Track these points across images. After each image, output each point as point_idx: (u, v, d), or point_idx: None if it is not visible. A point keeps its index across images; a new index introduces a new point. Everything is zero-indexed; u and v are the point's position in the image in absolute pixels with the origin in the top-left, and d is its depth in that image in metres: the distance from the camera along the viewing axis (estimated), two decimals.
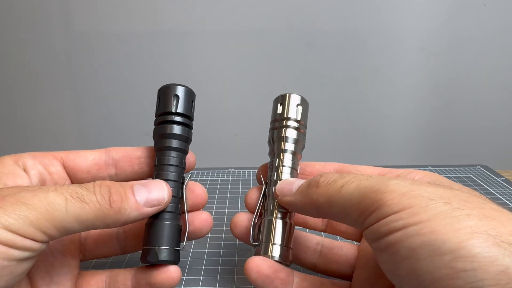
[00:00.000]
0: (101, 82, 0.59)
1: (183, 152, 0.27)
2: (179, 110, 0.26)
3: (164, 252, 0.24)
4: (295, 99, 0.28)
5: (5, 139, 0.62)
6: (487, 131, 0.63)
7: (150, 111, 0.29)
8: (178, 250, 0.25)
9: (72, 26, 0.55)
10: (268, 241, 0.25)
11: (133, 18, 0.55)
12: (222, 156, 0.62)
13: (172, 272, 0.25)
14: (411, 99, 0.61)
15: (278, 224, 0.25)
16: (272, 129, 0.28)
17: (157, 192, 0.23)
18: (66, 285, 0.24)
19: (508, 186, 0.47)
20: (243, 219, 0.27)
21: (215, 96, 0.60)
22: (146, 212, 0.23)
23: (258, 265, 0.24)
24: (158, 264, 0.24)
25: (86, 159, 0.26)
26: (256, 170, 0.30)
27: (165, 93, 0.26)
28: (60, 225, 0.19)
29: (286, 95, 0.28)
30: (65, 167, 0.26)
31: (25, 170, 0.24)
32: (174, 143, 0.26)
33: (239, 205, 0.42)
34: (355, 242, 0.29)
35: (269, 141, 0.28)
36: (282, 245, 0.25)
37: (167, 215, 0.25)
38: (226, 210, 0.41)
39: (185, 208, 0.26)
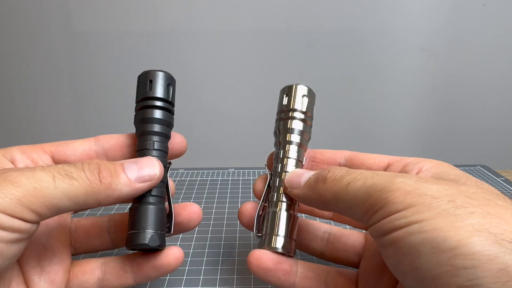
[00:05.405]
0: (101, 82, 0.59)
1: (164, 136, 0.26)
2: (157, 94, 0.25)
3: (148, 235, 0.23)
4: (301, 90, 0.28)
5: (4, 138, 0.62)
6: (487, 131, 0.63)
7: None
8: (164, 234, 0.25)
9: (72, 26, 0.55)
10: (272, 232, 0.25)
11: (133, 18, 0.55)
12: (222, 156, 0.62)
13: (177, 253, 0.25)
14: (411, 99, 0.61)
15: (282, 216, 0.25)
16: (278, 120, 0.28)
17: (148, 169, 0.23)
18: (58, 274, 0.24)
19: (508, 186, 0.47)
20: (251, 208, 0.27)
21: (215, 96, 0.60)
22: (138, 188, 0.23)
23: (258, 257, 0.24)
24: (145, 248, 0.24)
25: (76, 151, 0.26)
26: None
27: (142, 79, 0.26)
28: (50, 202, 0.19)
29: (292, 86, 0.28)
30: (54, 160, 0.26)
31: (13, 164, 0.24)
32: (151, 127, 0.25)
33: (239, 205, 0.42)
34: (363, 230, 0.30)
35: (275, 132, 0.28)
36: (285, 237, 0.25)
37: (152, 199, 0.24)
38: (226, 210, 0.41)
39: (169, 194, 0.26)
